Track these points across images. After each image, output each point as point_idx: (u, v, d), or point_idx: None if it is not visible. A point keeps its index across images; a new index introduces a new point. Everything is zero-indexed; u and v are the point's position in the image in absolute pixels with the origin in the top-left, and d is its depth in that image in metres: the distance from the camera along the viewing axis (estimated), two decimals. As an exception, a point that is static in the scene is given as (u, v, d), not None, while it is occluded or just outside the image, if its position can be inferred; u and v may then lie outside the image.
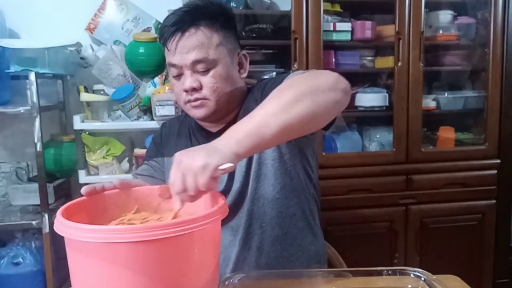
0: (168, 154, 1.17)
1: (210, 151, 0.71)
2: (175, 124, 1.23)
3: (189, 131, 1.19)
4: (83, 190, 0.81)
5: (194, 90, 1.04)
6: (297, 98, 0.77)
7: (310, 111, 0.77)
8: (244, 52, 1.13)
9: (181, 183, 0.71)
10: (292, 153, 1.08)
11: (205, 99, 1.04)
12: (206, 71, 1.03)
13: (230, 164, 0.71)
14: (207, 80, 1.03)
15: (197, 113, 1.06)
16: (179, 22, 1.03)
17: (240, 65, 1.12)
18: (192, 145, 1.14)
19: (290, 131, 0.77)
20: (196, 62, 1.02)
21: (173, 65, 1.05)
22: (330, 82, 0.81)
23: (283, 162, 1.07)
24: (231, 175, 1.08)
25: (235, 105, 1.11)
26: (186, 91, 1.04)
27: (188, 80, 1.03)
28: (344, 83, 0.84)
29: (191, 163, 0.70)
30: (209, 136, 1.12)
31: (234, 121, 1.10)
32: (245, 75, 1.13)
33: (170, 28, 1.03)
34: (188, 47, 1.02)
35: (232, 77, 1.07)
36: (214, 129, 1.13)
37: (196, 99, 1.04)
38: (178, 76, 1.06)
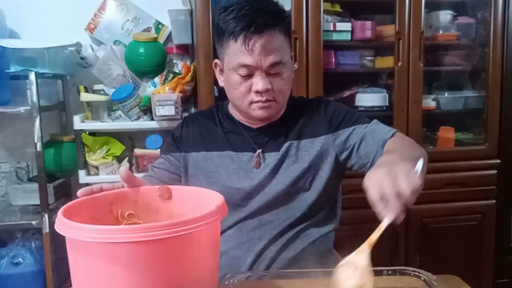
0: (190, 149, 1.17)
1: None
2: (200, 120, 1.22)
3: (220, 126, 1.18)
4: (79, 192, 0.80)
5: (266, 91, 1.07)
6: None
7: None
8: (292, 53, 1.17)
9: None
10: (336, 174, 1.15)
11: (274, 100, 1.08)
12: (277, 74, 1.07)
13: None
14: (277, 83, 1.07)
15: (263, 113, 1.09)
16: (256, 23, 1.01)
17: None
18: (227, 141, 1.15)
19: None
20: (273, 64, 1.05)
21: (246, 66, 1.04)
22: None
23: (327, 179, 1.12)
24: (274, 169, 1.11)
25: (283, 106, 1.16)
26: (258, 92, 1.06)
27: (262, 82, 1.05)
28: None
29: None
30: (248, 132, 1.15)
31: (277, 122, 1.15)
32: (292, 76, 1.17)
33: (247, 28, 1.01)
34: (268, 49, 1.03)
35: (291, 80, 1.13)
36: (255, 125, 1.15)
37: (267, 100, 1.07)
38: (246, 76, 1.06)
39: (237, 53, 1.04)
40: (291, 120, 1.15)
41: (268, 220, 1.11)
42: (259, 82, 1.05)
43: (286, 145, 1.11)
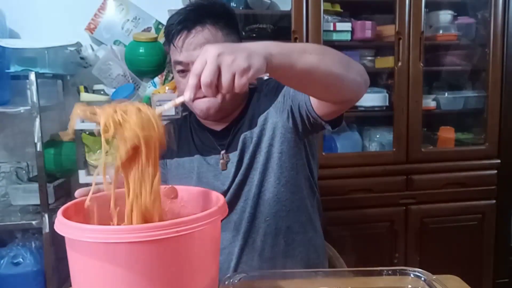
0: (169, 157, 1.18)
1: (250, 54, 0.69)
2: (174, 128, 1.24)
3: (190, 132, 1.19)
4: (77, 193, 0.80)
5: None
6: (334, 59, 0.83)
7: (337, 74, 0.83)
8: None
9: (212, 76, 0.67)
10: (298, 147, 1.09)
11: None
12: None
13: (267, 75, 0.73)
14: None
15: (203, 106, 1.08)
16: (185, 21, 1.05)
17: None
18: (195, 146, 1.15)
19: (314, 76, 0.80)
20: None
21: (180, 63, 1.07)
22: (361, 69, 0.91)
23: (290, 156, 1.08)
24: (237, 167, 1.08)
25: (238, 103, 1.13)
26: None
27: None
28: (367, 77, 0.92)
29: (234, 61, 0.67)
30: (213, 136, 1.14)
31: (237, 119, 1.13)
32: None
33: (176, 26, 1.06)
34: (194, 44, 1.04)
35: None
36: (218, 127, 1.14)
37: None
38: (184, 73, 1.08)
39: (173, 53, 1.09)
40: (248, 112, 1.12)
41: (240, 219, 1.08)
42: None
43: (241, 139, 1.09)
